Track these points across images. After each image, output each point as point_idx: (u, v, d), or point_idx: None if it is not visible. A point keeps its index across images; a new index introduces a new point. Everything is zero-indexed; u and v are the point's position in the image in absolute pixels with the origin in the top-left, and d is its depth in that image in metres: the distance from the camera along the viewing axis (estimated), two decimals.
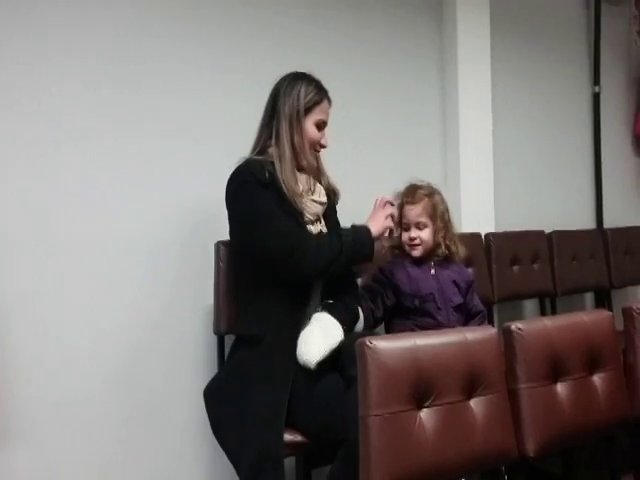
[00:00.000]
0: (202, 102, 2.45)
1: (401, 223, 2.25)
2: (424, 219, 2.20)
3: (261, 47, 2.58)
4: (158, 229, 2.34)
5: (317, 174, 2.15)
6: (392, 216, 2.15)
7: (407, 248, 2.24)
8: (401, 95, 3.02)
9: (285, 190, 1.99)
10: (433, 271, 2.22)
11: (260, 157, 2.06)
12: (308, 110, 2.07)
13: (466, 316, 2.25)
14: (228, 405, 1.95)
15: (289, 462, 1.99)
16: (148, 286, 2.31)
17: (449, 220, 2.25)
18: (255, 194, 1.99)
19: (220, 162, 2.45)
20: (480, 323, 2.23)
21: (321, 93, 2.11)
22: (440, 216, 2.21)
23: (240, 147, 2.45)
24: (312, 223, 2.08)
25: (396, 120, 3.00)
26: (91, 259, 2.21)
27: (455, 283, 2.23)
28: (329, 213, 2.17)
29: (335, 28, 2.81)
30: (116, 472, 2.25)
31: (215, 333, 2.27)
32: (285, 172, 2.01)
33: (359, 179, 2.74)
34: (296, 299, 2.00)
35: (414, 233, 2.21)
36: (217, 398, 2.01)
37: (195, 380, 2.35)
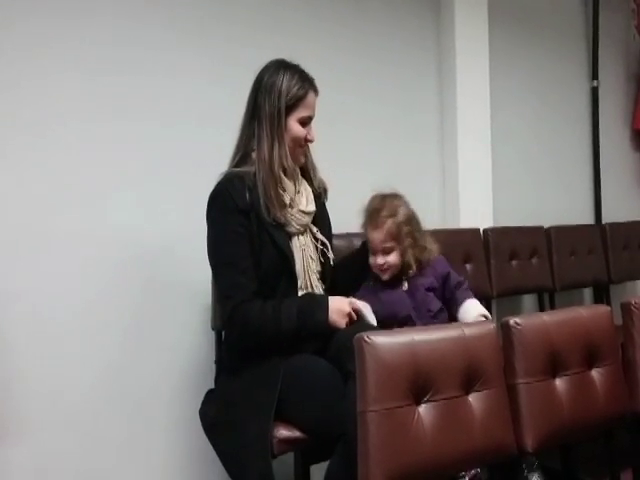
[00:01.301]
0: (198, 97, 2.44)
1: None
2: (390, 244, 2.08)
3: (257, 37, 2.57)
4: (155, 225, 2.33)
5: (306, 171, 2.09)
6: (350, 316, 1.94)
7: (376, 272, 2.13)
8: (399, 87, 3.02)
9: (264, 207, 1.91)
10: (405, 286, 2.13)
11: (242, 169, 1.97)
12: (291, 108, 1.95)
13: (450, 298, 2.17)
14: (221, 434, 1.95)
15: (288, 458, 1.99)
16: (145, 282, 2.31)
17: (416, 230, 2.12)
18: (226, 232, 1.92)
19: (219, 157, 2.44)
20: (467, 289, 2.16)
21: (305, 86, 1.97)
22: (406, 234, 2.09)
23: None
24: (301, 234, 2.01)
25: (393, 116, 2.99)
26: (86, 255, 2.21)
27: (430, 288, 2.13)
28: (319, 216, 2.09)
29: (333, 18, 2.80)
30: (113, 469, 2.25)
31: (213, 328, 2.27)
32: (265, 182, 1.92)
33: (356, 169, 2.74)
34: None
35: (381, 259, 2.09)
36: (210, 425, 2.00)
37: (194, 375, 2.35)
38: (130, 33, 2.31)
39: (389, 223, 2.08)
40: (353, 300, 1.98)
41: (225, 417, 1.94)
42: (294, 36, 2.64)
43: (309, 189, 2.08)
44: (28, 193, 2.12)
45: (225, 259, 1.93)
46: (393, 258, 2.09)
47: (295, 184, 2.03)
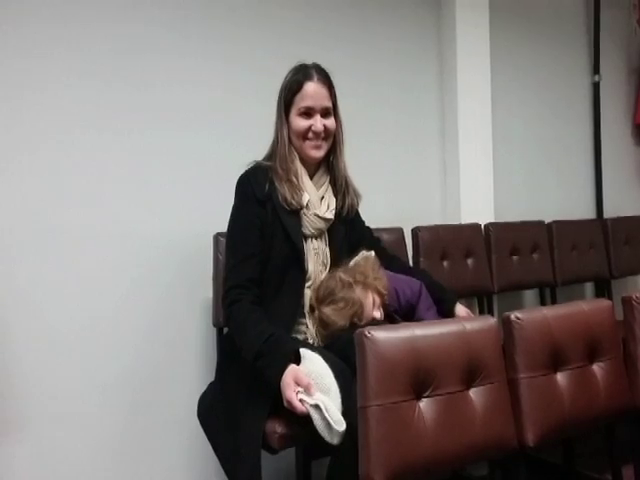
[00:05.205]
0: (201, 94, 2.45)
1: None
2: (376, 310, 2.00)
3: (258, 38, 2.58)
4: (156, 221, 2.34)
5: (336, 182, 2.06)
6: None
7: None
8: (399, 85, 3.01)
9: (280, 199, 1.94)
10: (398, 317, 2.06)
11: (267, 163, 2.00)
12: (289, 103, 1.97)
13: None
14: (218, 428, 1.93)
15: (289, 453, 1.99)
16: (146, 279, 2.31)
17: (375, 279, 2.00)
18: (240, 219, 1.96)
19: (218, 154, 2.44)
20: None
21: (299, 77, 1.96)
22: (373, 290, 1.99)
23: (236, 139, 2.44)
24: (315, 238, 2.00)
25: (394, 110, 2.99)
26: (88, 253, 2.21)
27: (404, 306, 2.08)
28: (337, 228, 2.06)
29: (334, 19, 2.80)
30: (116, 465, 2.26)
31: (214, 325, 2.27)
32: (277, 178, 1.95)
33: (356, 170, 2.73)
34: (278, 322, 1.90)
35: (378, 313, 2.00)
36: (208, 418, 1.99)
37: (195, 372, 2.35)
38: (132, 39, 2.32)
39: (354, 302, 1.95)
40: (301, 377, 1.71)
41: (221, 403, 1.94)
42: (294, 39, 2.64)
43: (333, 199, 2.05)
44: (28, 194, 2.13)
45: (233, 243, 1.97)
46: (378, 309, 2.02)
47: (319, 188, 2.03)
